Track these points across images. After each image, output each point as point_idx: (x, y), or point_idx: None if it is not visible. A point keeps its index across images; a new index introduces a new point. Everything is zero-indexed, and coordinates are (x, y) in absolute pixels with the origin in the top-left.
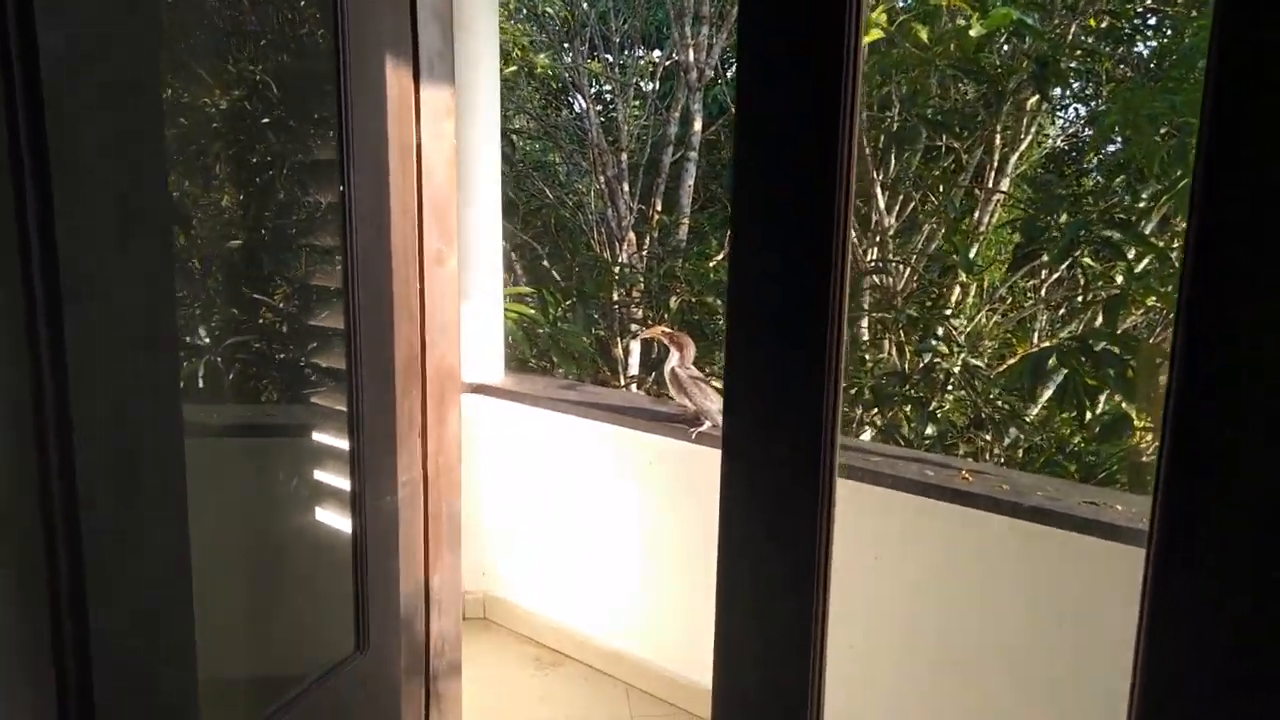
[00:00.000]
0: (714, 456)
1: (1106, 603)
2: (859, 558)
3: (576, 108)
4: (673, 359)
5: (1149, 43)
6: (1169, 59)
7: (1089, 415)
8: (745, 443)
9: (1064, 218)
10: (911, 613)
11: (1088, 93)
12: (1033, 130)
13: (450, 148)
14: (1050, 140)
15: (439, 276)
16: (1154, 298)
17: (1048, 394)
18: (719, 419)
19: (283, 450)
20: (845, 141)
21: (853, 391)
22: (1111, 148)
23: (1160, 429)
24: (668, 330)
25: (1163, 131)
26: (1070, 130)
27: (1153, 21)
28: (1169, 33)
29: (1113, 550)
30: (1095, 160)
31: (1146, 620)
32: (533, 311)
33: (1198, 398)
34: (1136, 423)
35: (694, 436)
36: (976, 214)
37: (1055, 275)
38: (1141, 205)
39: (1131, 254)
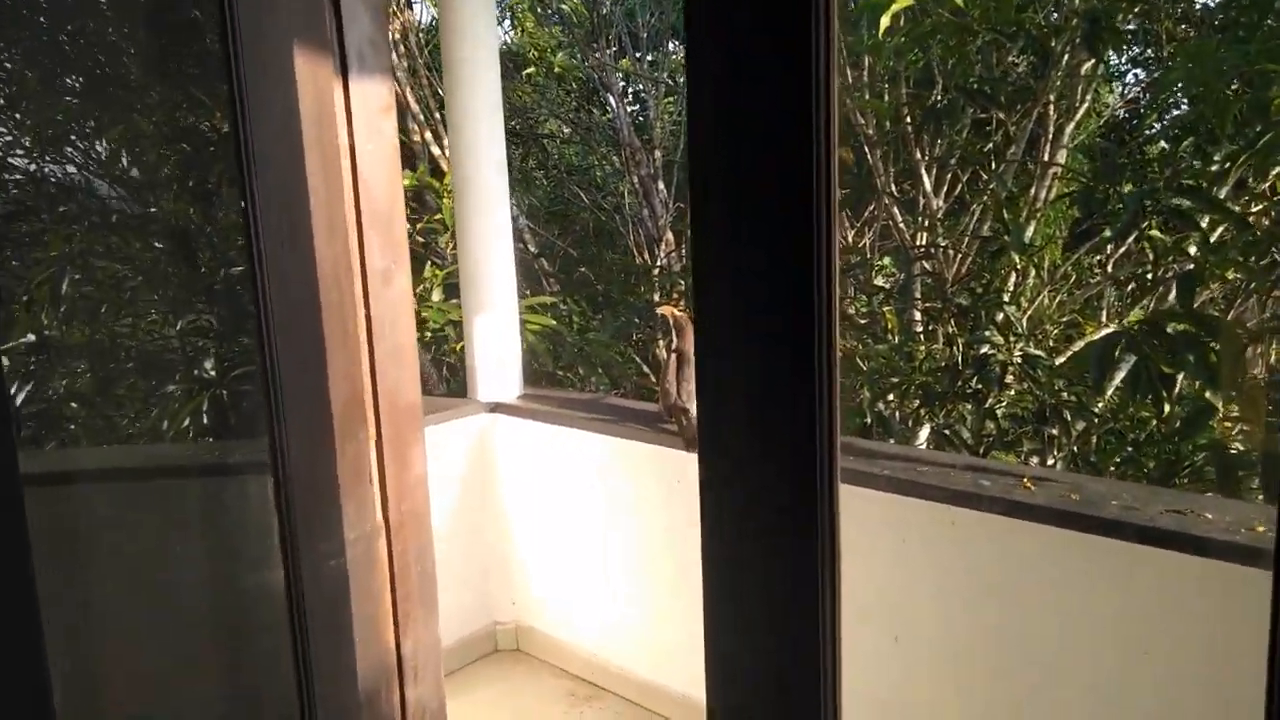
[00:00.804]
0: None
1: (1199, 629)
2: (911, 583)
3: (608, 109)
4: (675, 341)
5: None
6: (1234, 7)
7: (1166, 407)
8: (721, 453)
9: (1127, 188)
10: (964, 640)
11: (1147, 55)
12: (1088, 98)
13: (391, 149)
14: (1109, 109)
15: (387, 298)
16: (1233, 270)
17: (1116, 382)
18: (695, 417)
19: (217, 499)
20: (820, 97)
21: (903, 389)
22: (1176, 111)
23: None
24: (675, 309)
25: (1233, 87)
26: (1130, 96)
27: None
28: None
29: (1205, 568)
30: (1158, 125)
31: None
32: (554, 322)
33: None
34: (1221, 411)
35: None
36: (1032, 190)
37: (1120, 250)
38: (1214, 169)
39: (1205, 223)
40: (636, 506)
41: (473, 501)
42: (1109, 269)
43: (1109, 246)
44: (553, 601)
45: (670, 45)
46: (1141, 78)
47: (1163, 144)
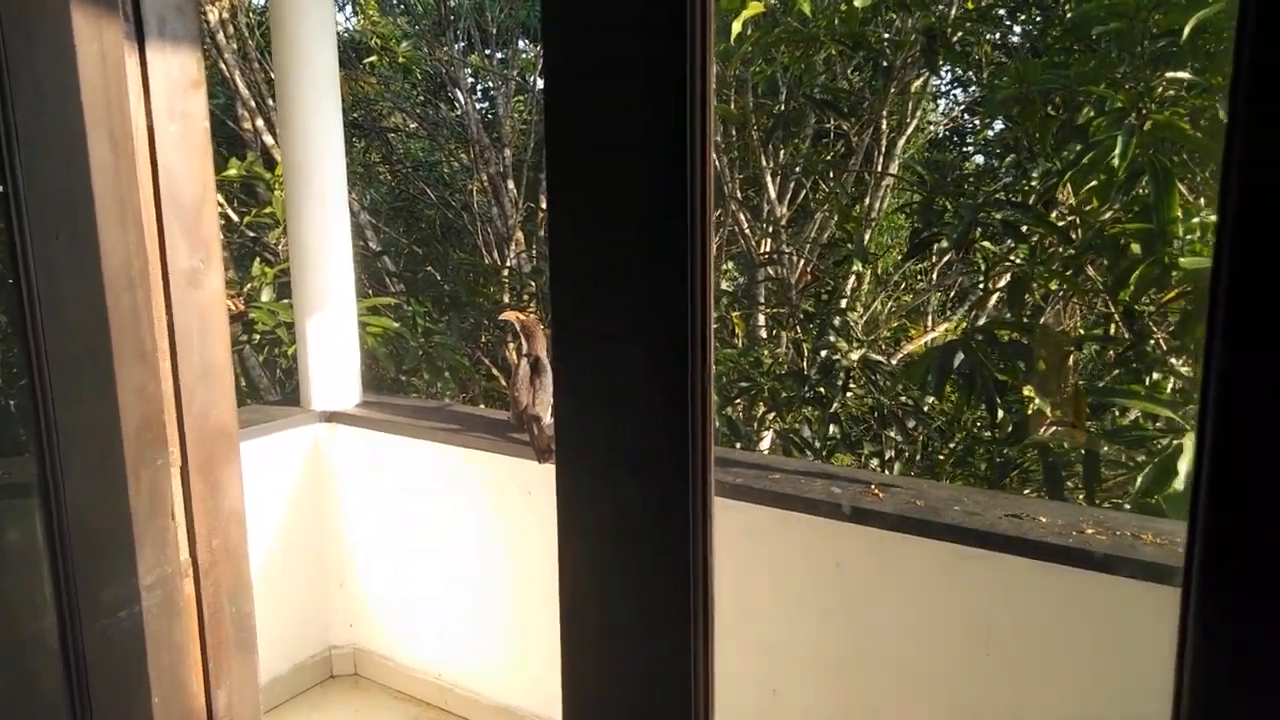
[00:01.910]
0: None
1: (1039, 630)
2: (761, 592)
3: (456, 104)
4: (526, 346)
5: (1023, 26)
6: (1049, 36)
7: (1000, 412)
8: (582, 463)
9: (959, 200)
10: (824, 649)
11: (969, 76)
12: (918, 114)
13: (200, 132)
14: (930, 126)
15: (194, 303)
16: (1055, 280)
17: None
18: (548, 426)
19: None
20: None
21: (752, 393)
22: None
23: (1199, 430)
24: (520, 315)
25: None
26: (951, 114)
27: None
28: (1038, 16)
29: (1041, 571)
30: (981, 141)
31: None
32: (396, 324)
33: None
34: (1048, 415)
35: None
36: (867, 200)
37: (943, 260)
38: (1035, 185)
39: (1032, 236)
40: (485, 520)
41: (306, 518)
42: (934, 277)
43: (935, 256)
44: (394, 622)
45: (520, 43)
46: (960, 99)
47: (979, 160)
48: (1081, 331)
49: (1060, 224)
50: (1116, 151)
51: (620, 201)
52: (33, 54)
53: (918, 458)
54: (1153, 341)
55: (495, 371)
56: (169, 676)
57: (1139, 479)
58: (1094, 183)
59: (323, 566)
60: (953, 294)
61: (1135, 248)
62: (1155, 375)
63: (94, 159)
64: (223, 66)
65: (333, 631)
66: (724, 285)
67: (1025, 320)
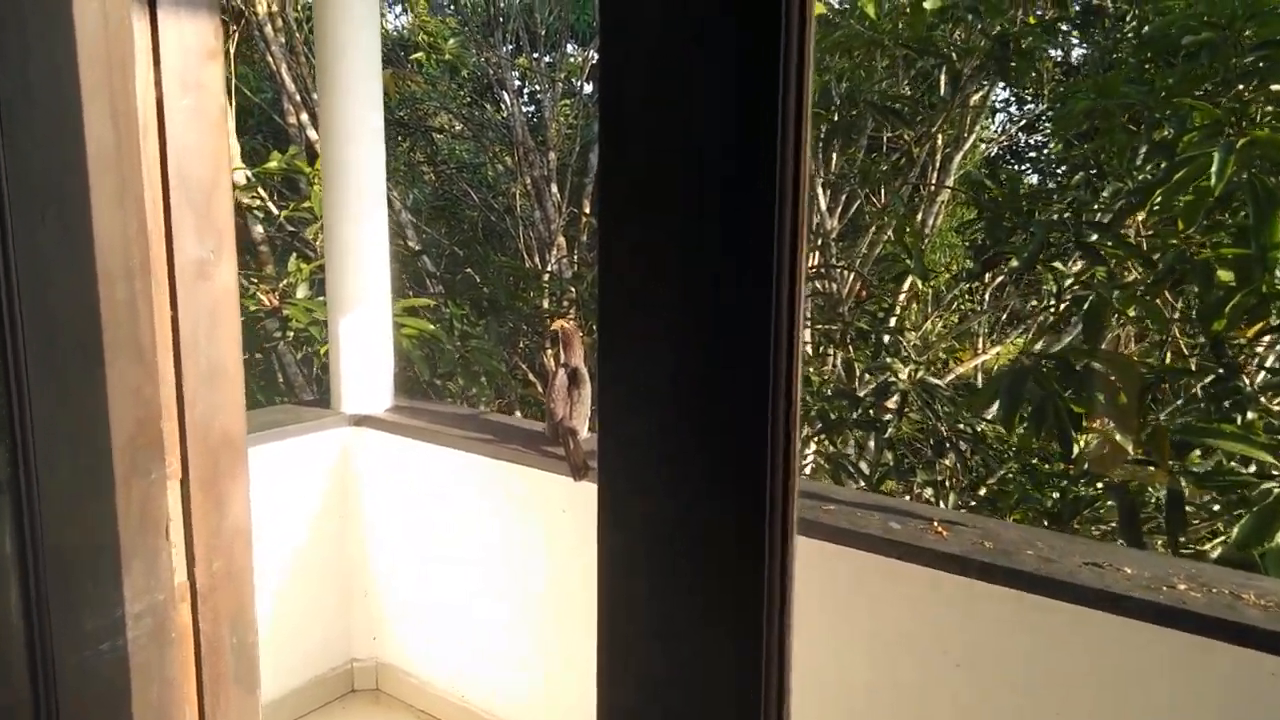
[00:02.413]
0: None
1: (1123, 697)
2: (825, 638)
3: (502, 106)
4: (564, 356)
5: (1087, 41)
6: (1118, 50)
7: (1076, 447)
8: (630, 485)
9: (1032, 218)
10: (881, 701)
11: (1024, 93)
12: (976, 128)
13: (217, 107)
14: (983, 144)
15: (202, 297)
16: (1133, 307)
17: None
18: (586, 440)
19: None
20: None
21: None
22: (1043, 148)
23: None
24: (565, 323)
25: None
26: (1006, 131)
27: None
28: (1099, 35)
29: (1128, 630)
30: (1044, 158)
31: None
32: (432, 327)
33: None
34: (1129, 451)
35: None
36: (920, 215)
37: (997, 279)
38: (1102, 205)
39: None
40: (518, 536)
41: (331, 525)
42: (985, 298)
43: (988, 276)
44: (419, 637)
45: (569, 47)
46: (1015, 115)
47: (1033, 179)
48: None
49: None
50: (1213, 170)
51: (684, 200)
52: (19, 7)
53: (979, 490)
54: (1245, 377)
55: (532, 378)
56: (158, 716)
57: (1235, 530)
58: (1181, 204)
59: (347, 575)
60: (1004, 316)
61: (1225, 275)
62: (1250, 414)
63: (90, 131)
64: (270, 60)
65: (355, 644)
66: None
67: (1101, 349)
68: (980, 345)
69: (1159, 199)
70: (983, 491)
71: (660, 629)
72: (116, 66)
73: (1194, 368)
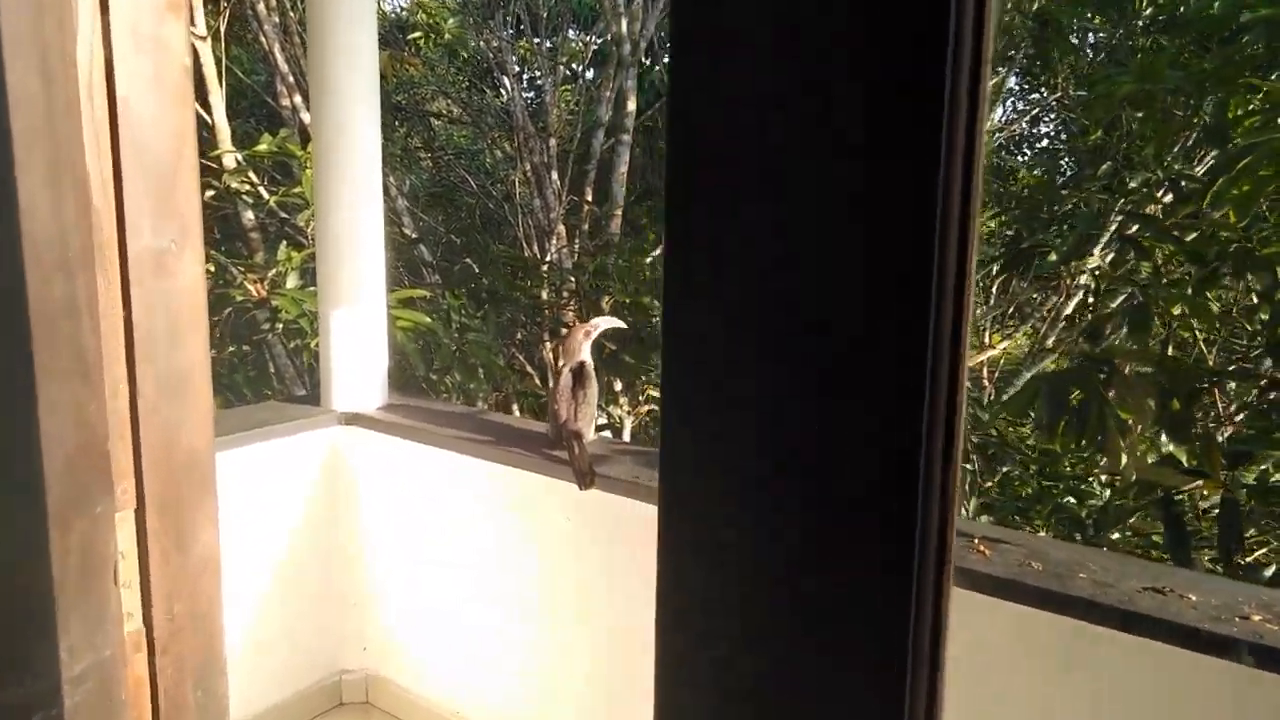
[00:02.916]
0: (652, 514)
1: None
2: None
3: (502, 91)
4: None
5: (1098, 28)
6: (1146, 34)
7: (1124, 456)
8: (701, 503)
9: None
10: None
11: (1038, 82)
12: (991, 116)
13: (179, 69)
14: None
15: (161, 294)
16: (1179, 306)
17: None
18: (591, 444)
19: None
20: None
21: None
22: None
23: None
24: (588, 325)
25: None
26: (1010, 122)
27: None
28: (1118, 18)
29: (1197, 667)
30: (1062, 148)
31: None
32: (429, 320)
33: None
34: (1186, 463)
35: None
36: None
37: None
38: (1133, 194)
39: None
40: (517, 544)
41: (319, 530)
42: (993, 291)
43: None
44: (411, 648)
45: (570, 31)
46: (1018, 108)
47: (1037, 171)
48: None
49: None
50: None
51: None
52: None
53: (1015, 499)
54: None
55: (530, 370)
56: None
57: None
58: (1237, 193)
59: (336, 583)
60: (1010, 310)
61: None
62: None
63: (12, 93)
64: (262, 40)
65: (344, 655)
66: None
67: (1151, 350)
68: (986, 339)
69: (1220, 188)
70: (1012, 500)
71: (765, 693)
72: (49, 10)
73: (1255, 372)
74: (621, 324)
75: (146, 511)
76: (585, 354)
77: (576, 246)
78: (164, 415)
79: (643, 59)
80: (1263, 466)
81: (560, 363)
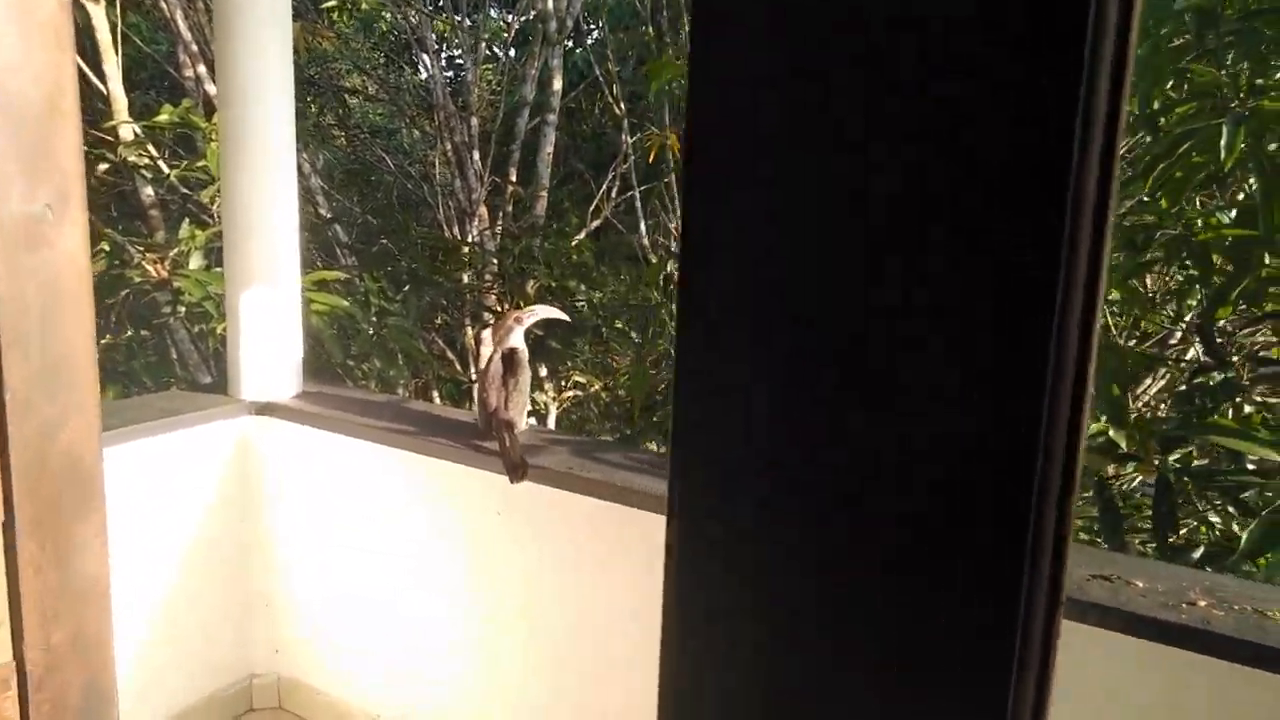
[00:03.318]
0: (595, 509)
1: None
2: None
3: (421, 69)
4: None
5: None
6: None
7: None
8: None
9: None
10: None
11: None
12: None
13: (54, 4)
14: None
15: (35, 268)
16: (1115, 292)
17: None
18: (523, 434)
19: None
20: None
21: None
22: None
23: None
24: (518, 313)
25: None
26: None
27: None
28: None
29: (1148, 655)
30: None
31: None
32: (346, 303)
33: None
34: (1122, 447)
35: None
36: None
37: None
38: None
39: None
40: (442, 540)
41: (228, 527)
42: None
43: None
44: (327, 650)
45: (492, 10)
46: None
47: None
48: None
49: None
50: (1222, 143)
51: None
52: None
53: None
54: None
55: (451, 356)
56: None
57: (1244, 538)
58: (1174, 178)
59: (246, 583)
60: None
61: (1216, 257)
62: (1247, 408)
63: None
64: (164, 6)
65: (254, 658)
66: None
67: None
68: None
69: (1157, 174)
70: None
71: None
72: None
73: (1189, 357)
74: (564, 315)
75: (17, 528)
76: (517, 340)
77: (499, 229)
78: (39, 411)
79: (568, 40)
80: (1188, 449)
81: (484, 349)
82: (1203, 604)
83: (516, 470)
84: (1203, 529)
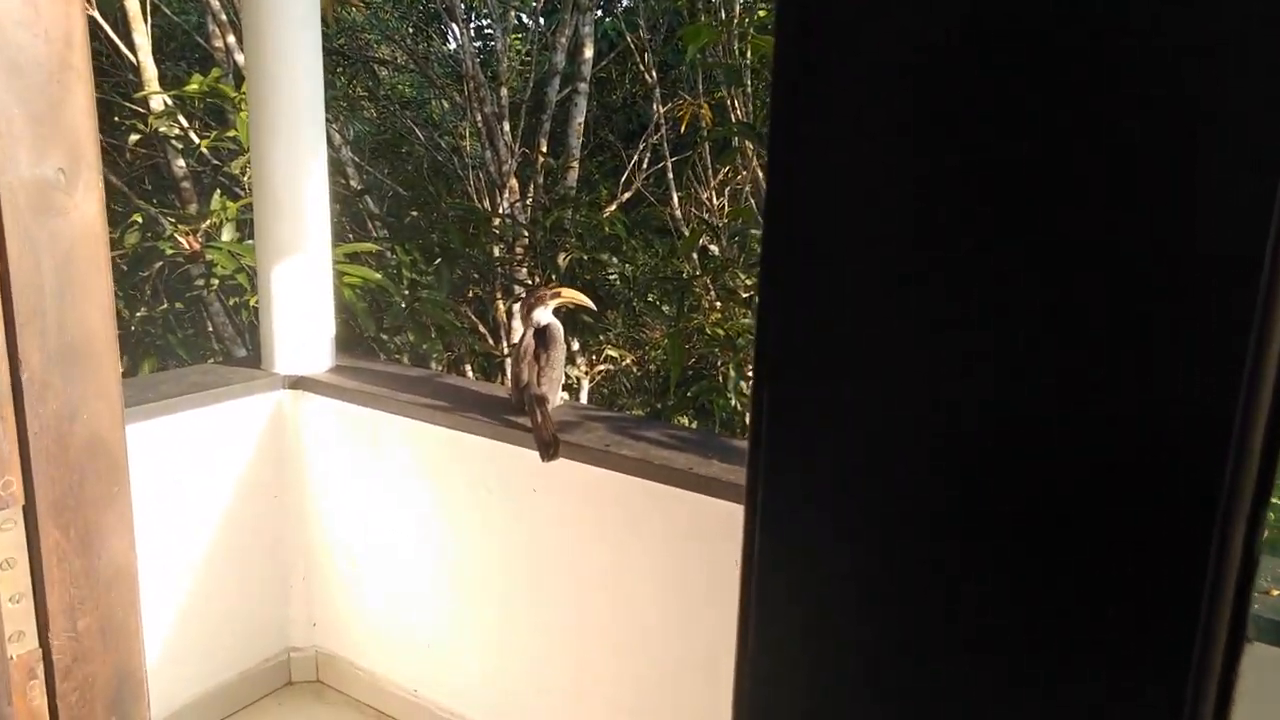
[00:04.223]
0: (633, 487)
1: None
2: None
3: (450, 39)
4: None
5: None
6: None
7: None
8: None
9: None
10: None
11: None
12: None
13: None
14: None
15: (49, 238)
16: None
17: None
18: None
19: None
20: None
21: None
22: None
23: None
24: (561, 291)
25: None
26: None
27: None
28: None
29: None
30: None
31: None
32: (379, 276)
33: None
34: None
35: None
36: None
37: None
38: None
39: None
40: (478, 515)
41: (264, 501)
42: None
43: None
44: (363, 625)
45: None
46: None
47: None
48: None
49: None
50: None
51: None
52: None
53: None
54: None
55: (483, 330)
56: None
57: None
58: None
59: (283, 557)
60: None
61: None
62: None
63: None
64: None
65: (292, 632)
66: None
67: None
68: None
69: None
70: None
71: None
72: None
73: None
74: (591, 305)
75: (38, 512)
76: (547, 317)
77: (530, 201)
78: (58, 392)
79: (598, 8)
80: None
81: (516, 324)
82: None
83: (548, 448)
84: None
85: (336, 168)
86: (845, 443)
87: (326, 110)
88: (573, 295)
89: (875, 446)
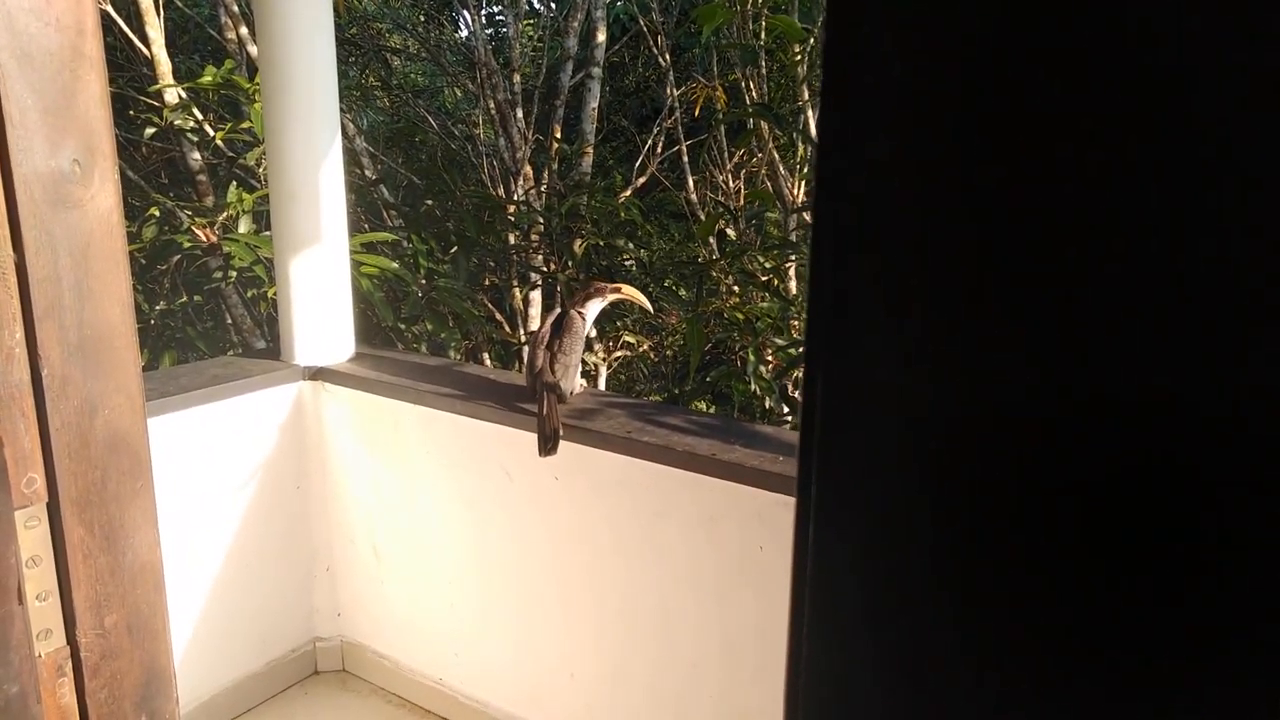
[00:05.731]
0: (655, 474)
1: None
2: None
3: (462, 26)
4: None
5: None
6: None
7: None
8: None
9: None
10: None
11: None
12: None
13: None
14: None
15: (65, 231)
16: None
17: None
18: (578, 396)
19: None
20: None
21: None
22: None
23: None
24: (619, 287)
25: None
26: None
27: None
28: None
29: None
30: None
31: None
32: (396, 265)
33: None
34: None
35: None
36: None
37: None
38: None
39: None
40: (501, 504)
41: (288, 492)
42: None
43: None
44: (388, 614)
45: None
46: None
47: None
48: None
49: None
50: None
51: None
52: None
53: None
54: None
55: (500, 318)
56: None
57: None
58: None
59: (307, 548)
60: None
61: None
62: None
63: None
64: None
65: (317, 622)
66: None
67: None
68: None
69: None
70: None
71: None
72: None
73: None
74: (650, 307)
75: (62, 508)
76: (590, 309)
77: (544, 187)
78: (79, 387)
79: None
80: None
81: (534, 310)
82: None
83: (547, 442)
84: None
85: (351, 158)
86: (909, 432)
87: (340, 100)
88: (633, 294)
89: (940, 436)
